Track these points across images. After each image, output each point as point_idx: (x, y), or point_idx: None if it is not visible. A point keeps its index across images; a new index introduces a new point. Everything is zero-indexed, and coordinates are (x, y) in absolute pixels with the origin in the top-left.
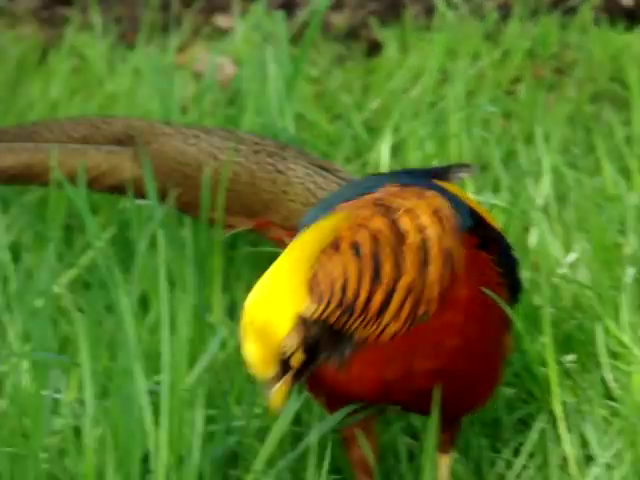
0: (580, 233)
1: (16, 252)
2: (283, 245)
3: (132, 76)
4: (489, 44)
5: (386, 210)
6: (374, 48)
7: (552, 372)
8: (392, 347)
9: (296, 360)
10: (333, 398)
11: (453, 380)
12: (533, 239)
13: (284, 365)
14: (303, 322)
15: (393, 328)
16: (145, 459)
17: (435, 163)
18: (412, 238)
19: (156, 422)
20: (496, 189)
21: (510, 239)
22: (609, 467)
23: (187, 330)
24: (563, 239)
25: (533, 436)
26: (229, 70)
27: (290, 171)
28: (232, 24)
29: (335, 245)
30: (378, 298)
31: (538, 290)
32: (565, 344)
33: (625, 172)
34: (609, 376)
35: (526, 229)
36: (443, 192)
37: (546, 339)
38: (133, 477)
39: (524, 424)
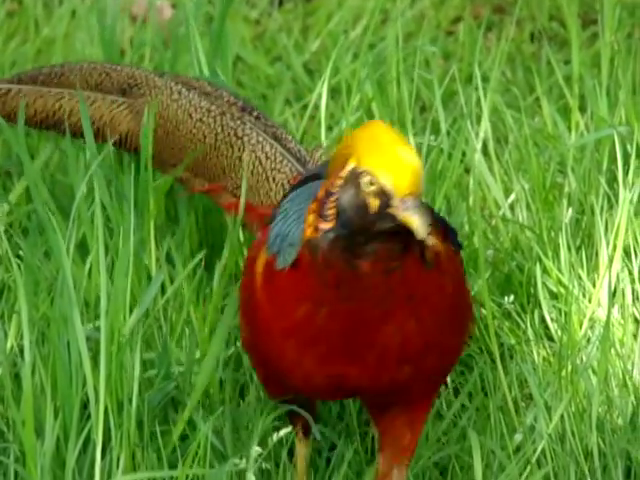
0: (520, 174)
1: None
2: (232, 212)
3: (69, 19)
4: None
5: None
6: None
7: (489, 313)
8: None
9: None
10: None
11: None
12: (473, 180)
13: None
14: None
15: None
16: (84, 405)
17: (374, 105)
18: None
19: (95, 368)
20: (436, 131)
21: (451, 181)
22: (547, 407)
23: (126, 275)
24: (503, 180)
25: (473, 377)
26: (167, 13)
27: (246, 137)
28: None
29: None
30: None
31: (477, 232)
32: (505, 285)
33: (565, 111)
34: (548, 316)
35: (466, 170)
36: None
37: (483, 280)
38: (72, 423)
39: (465, 365)
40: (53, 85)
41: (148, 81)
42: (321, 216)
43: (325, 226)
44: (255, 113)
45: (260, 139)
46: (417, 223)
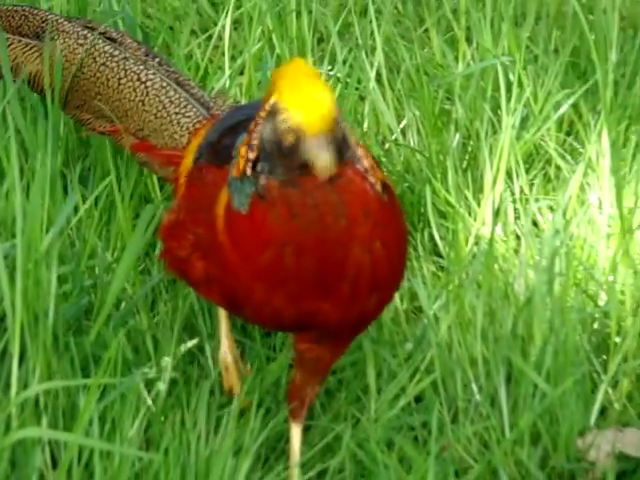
0: (411, 101)
1: None
2: (135, 152)
3: None
4: None
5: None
6: None
7: None
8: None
9: (338, 133)
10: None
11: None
12: (367, 108)
13: (333, 134)
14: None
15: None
16: (1, 319)
17: (275, 36)
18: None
19: (12, 283)
20: (333, 61)
21: (347, 108)
22: (436, 318)
23: (41, 196)
24: (395, 107)
25: None
26: None
27: (149, 82)
28: None
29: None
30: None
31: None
32: None
33: (452, 43)
34: (437, 234)
35: (361, 98)
36: None
37: None
38: None
39: None
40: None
41: (58, 25)
42: (249, 147)
43: (251, 155)
44: (158, 59)
45: (164, 84)
46: (319, 162)
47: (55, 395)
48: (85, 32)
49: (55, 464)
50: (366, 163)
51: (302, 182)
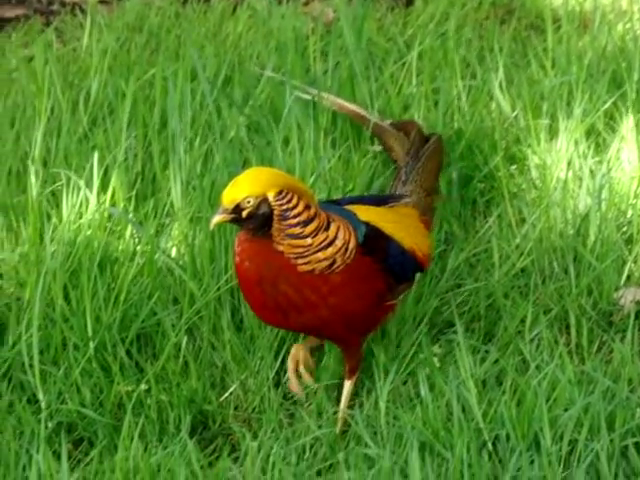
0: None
1: None
2: None
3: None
4: None
5: (328, 215)
6: None
7: None
8: (278, 257)
9: (245, 213)
10: (239, 274)
11: (302, 314)
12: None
13: (235, 209)
14: (265, 200)
15: (284, 248)
16: None
17: None
18: (329, 234)
19: None
20: None
21: None
22: (533, 226)
23: None
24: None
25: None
26: (330, 16)
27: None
28: None
29: (302, 197)
30: (295, 230)
31: None
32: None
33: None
34: (534, 174)
35: None
36: (353, 221)
37: None
38: None
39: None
40: None
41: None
42: None
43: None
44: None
45: None
46: (212, 220)
47: None
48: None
49: None
50: (297, 243)
51: (242, 232)
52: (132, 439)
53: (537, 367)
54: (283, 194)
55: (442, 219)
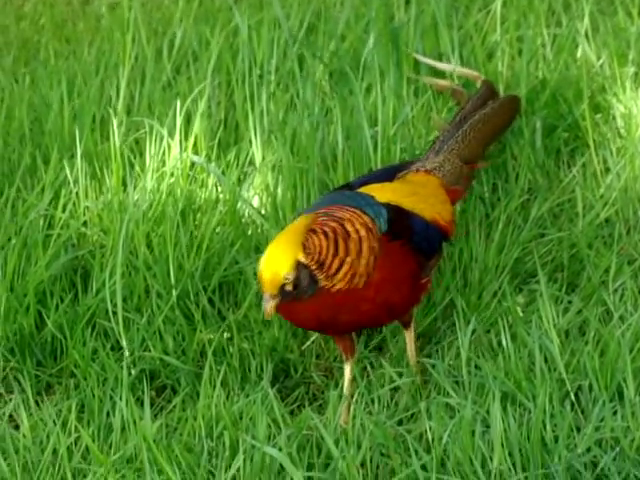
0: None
1: None
2: None
3: None
4: None
5: (333, 217)
6: None
7: None
8: (330, 298)
9: (288, 287)
10: (293, 322)
11: (360, 324)
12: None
13: (281, 289)
14: (297, 265)
15: (339, 285)
16: None
17: None
18: (353, 235)
19: None
20: None
21: None
22: (618, 175)
23: None
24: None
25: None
26: None
27: None
28: None
29: (313, 230)
30: (335, 264)
31: None
32: None
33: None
34: (619, 123)
35: None
36: (371, 206)
37: None
38: None
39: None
40: None
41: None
42: None
43: None
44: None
45: None
46: (263, 309)
47: None
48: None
49: None
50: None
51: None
52: (214, 387)
53: (621, 317)
54: (307, 246)
55: (526, 168)
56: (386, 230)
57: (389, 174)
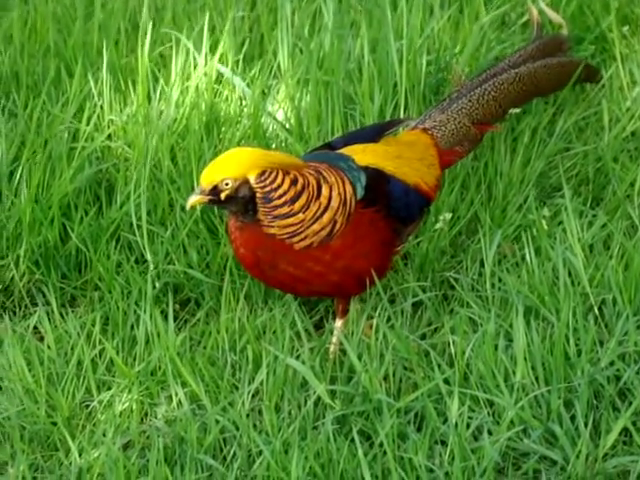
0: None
1: None
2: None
3: None
4: None
5: (319, 175)
6: None
7: None
8: (270, 241)
9: (223, 195)
10: (237, 256)
11: (311, 285)
12: None
13: (213, 190)
14: (245, 182)
15: (274, 231)
16: None
17: None
18: (322, 200)
19: None
20: None
21: None
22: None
23: None
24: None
25: None
26: None
27: None
28: None
29: (287, 172)
30: (284, 210)
31: None
32: None
33: None
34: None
35: None
36: (351, 170)
37: None
38: None
39: None
40: None
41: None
42: None
43: None
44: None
45: None
46: (188, 201)
47: None
48: None
49: None
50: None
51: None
52: (237, 300)
53: None
54: (266, 175)
55: None
56: (362, 196)
57: (374, 133)
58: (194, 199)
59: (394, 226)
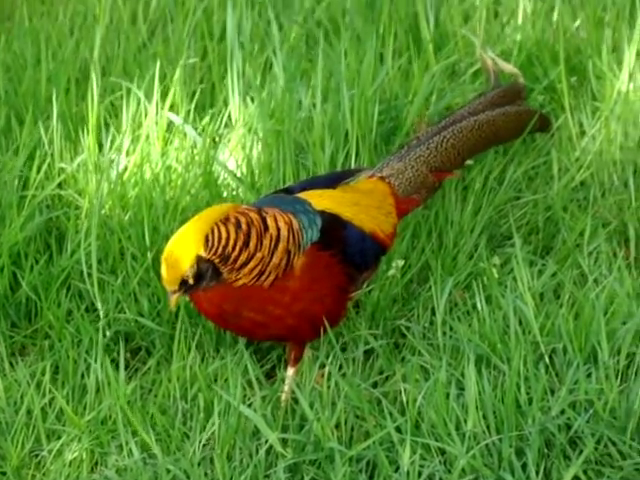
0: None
1: None
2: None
3: None
4: None
5: (261, 211)
6: None
7: None
8: (235, 292)
9: (191, 280)
10: (198, 309)
11: (269, 329)
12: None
13: (182, 284)
14: (198, 260)
15: (243, 280)
16: None
17: None
18: (271, 231)
19: None
20: None
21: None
22: (594, 138)
23: None
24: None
25: None
26: None
27: None
28: None
29: (227, 219)
30: (242, 257)
31: None
32: None
33: None
34: (595, 88)
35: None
36: (306, 213)
37: None
38: None
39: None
40: None
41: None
42: None
43: None
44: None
45: None
46: (171, 304)
47: None
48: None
49: None
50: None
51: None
52: (189, 349)
53: (595, 280)
54: (210, 238)
55: None
56: (318, 239)
57: (332, 180)
58: (174, 299)
59: (349, 271)
